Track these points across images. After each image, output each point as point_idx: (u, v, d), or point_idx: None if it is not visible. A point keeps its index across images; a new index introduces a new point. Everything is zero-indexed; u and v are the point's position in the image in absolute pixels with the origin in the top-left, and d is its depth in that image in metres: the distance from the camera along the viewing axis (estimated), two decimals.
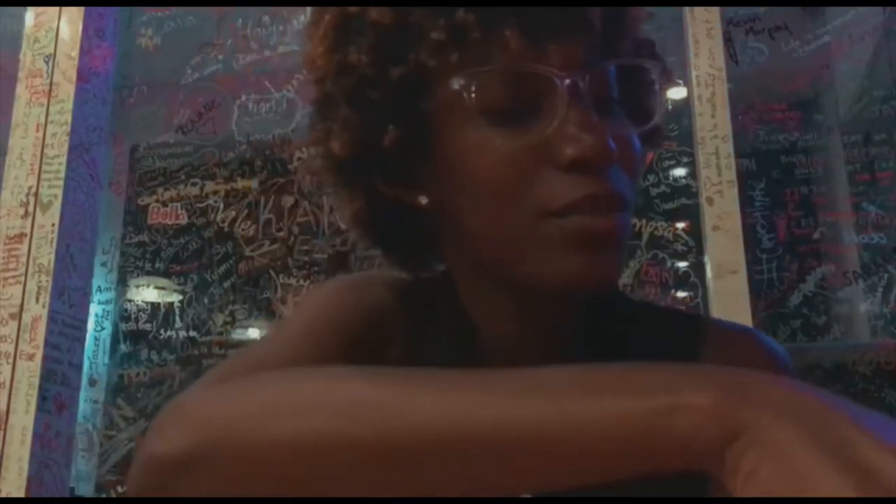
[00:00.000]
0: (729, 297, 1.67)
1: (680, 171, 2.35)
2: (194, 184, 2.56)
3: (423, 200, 0.57)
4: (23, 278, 1.85)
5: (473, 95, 0.51)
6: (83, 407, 2.24)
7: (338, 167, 0.57)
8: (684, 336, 0.61)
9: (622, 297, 0.65)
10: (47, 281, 1.84)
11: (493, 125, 0.51)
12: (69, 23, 2.02)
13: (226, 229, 2.54)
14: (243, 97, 2.43)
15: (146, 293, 2.61)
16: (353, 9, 0.54)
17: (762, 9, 2.29)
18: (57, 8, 2.03)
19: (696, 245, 2.22)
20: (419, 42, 0.52)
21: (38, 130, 1.94)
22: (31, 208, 1.90)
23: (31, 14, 2.05)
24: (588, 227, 0.50)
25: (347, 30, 0.54)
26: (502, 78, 0.52)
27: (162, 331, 2.55)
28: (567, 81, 0.50)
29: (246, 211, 2.54)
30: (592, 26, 0.52)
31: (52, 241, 1.87)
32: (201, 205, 2.55)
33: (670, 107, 2.25)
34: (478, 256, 0.57)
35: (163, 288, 2.61)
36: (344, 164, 0.56)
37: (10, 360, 1.80)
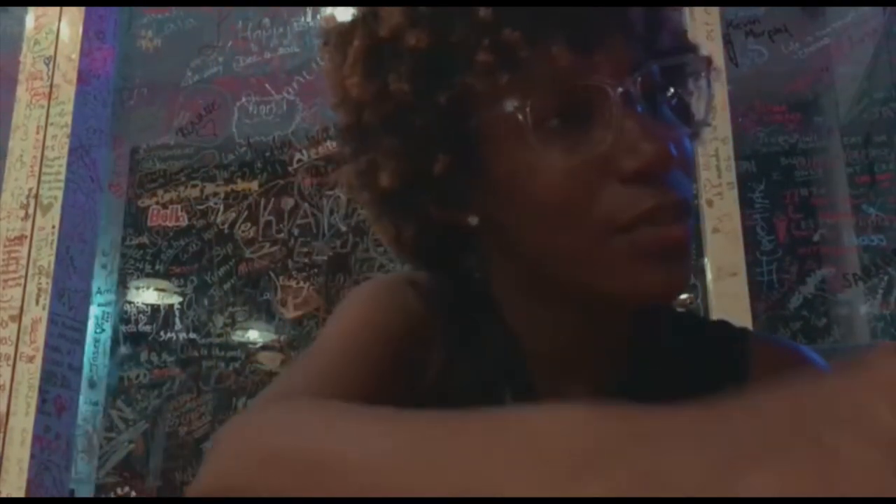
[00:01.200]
0: (729, 299, 1.67)
1: None
2: (194, 185, 2.56)
3: (474, 221, 0.56)
4: (23, 280, 1.85)
5: (527, 115, 0.49)
6: (83, 409, 2.23)
7: (387, 198, 0.56)
8: (731, 351, 0.61)
9: (663, 307, 0.64)
10: (47, 283, 1.84)
11: (547, 142, 0.50)
12: (69, 25, 2.03)
13: (226, 231, 2.53)
14: (243, 99, 2.43)
15: (146, 295, 2.61)
16: (384, 33, 0.52)
17: (762, 11, 2.29)
18: (57, 10, 2.03)
19: (696, 247, 2.22)
20: (465, 65, 0.50)
21: (38, 132, 1.94)
22: (31, 210, 1.90)
23: (31, 16, 2.05)
24: (659, 239, 0.49)
25: (382, 56, 0.52)
26: (555, 95, 0.50)
27: (162, 333, 2.55)
28: (619, 90, 0.49)
29: (246, 213, 2.53)
30: (634, 27, 0.51)
31: (52, 243, 1.87)
32: (201, 207, 2.55)
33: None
34: (536, 273, 0.56)
35: (163, 290, 2.61)
36: (393, 194, 0.55)
37: (10, 362, 1.80)
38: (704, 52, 0.58)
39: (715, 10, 1.83)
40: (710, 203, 1.72)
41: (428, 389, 0.59)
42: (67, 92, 1.97)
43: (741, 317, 1.64)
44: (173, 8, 2.44)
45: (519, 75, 0.49)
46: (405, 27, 0.51)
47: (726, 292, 1.68)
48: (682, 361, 0.59)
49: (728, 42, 1.97)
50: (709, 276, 1.70)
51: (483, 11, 0.49)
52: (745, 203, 2.15)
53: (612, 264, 0.50)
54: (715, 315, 1.67)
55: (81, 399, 2.05)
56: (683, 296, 2.26)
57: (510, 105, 0.50)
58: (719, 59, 1.80)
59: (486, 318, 0.60)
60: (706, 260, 1.73)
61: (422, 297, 0.61)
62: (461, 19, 0.50)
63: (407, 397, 0.57)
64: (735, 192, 1.73)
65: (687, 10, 1.83)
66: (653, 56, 0.52)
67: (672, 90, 0.54)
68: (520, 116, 0.49)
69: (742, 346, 0.61)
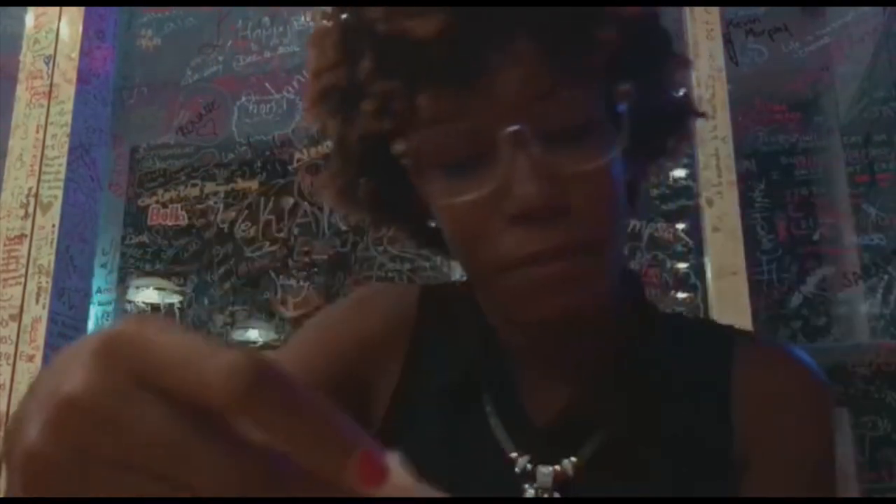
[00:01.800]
0: (729, 299, 1.67)
1: (680, 173, 2.35)
2: (194, 185, 2.56)
3: (432, 224, 0.58)
4: (23, 279, 1.85)
5: (420, 155, 0.51)
6: None
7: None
8: (718, 352, 0.61)
9: (652, 308, 0.65)
10: (47, 282, 1.84)
11: (450, 177, 0.51)
12: (69, 24, 2.02)
13: (226, 230, 2.54)
14: (243, 98, 2.43)
15: (146, 294, 2.61)
16: (312, 72, 0.55)
17: (762, 10, 2.29)
18: (57, 9, 2.03)
19: (696, 246, 2.22)
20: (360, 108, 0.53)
21: (38, 132, 1.94)
22: (31, 209, 1.90)
23: (31, 15, 2.05)
24: (536, 280, 0.50)
25: (322, 93, 0.56)
26: (443, 136, 0.51)
27: None
28: (507, 131, 0.48)
29: (246, 212, 2.54)
30: (530, 58, 0.49)
31: (52, 243, 1.87)
32: (201, 206, 2.55)
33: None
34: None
35: (163, 289, 2.61)
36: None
37: (10, 362, 1.80)
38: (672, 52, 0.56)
39: (715, 10, 1.83)
40: (710, 202, 1.72)
41: (396, 390, 0.61)
42: (67, 91, 1.97)
43: (741, 316, 1.64)
44: (173, 7, 2.44)
45: (402, 121, 0.51)
46: (324, 69, 0.54)
47: (726, 291, 1.67)
48: (666, 360, 0.60)
49: (728, 41, 1.97)
50: (709, 275, 1.70)
51: (366, 61, 0.51)
52: (746, 202, 2.15)
53: (512, 294, 0.52)
54: (715, 314, 1.67)
55: None
56: (682, 295, 2.26)
57: (398, 147, 0.52)
58: (719, 59, 1.80)
59: (466, 311, 0.62)
60: (706, 259, 1.73)
61: (395, 306, 0.65)
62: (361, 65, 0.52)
63: (364, 395, 0.61)
64: (735, 192, 1.73)
65: (687, 8, 1.83)
66: (568, 82, 0.50)
67: (579, 121, 0.51)
68: (406, 161, 0.52)
69: (727, 345, 0.61)
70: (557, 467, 0.57)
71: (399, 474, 0.27)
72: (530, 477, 0.57)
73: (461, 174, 0.51)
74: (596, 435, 0.57)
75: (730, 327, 0.66)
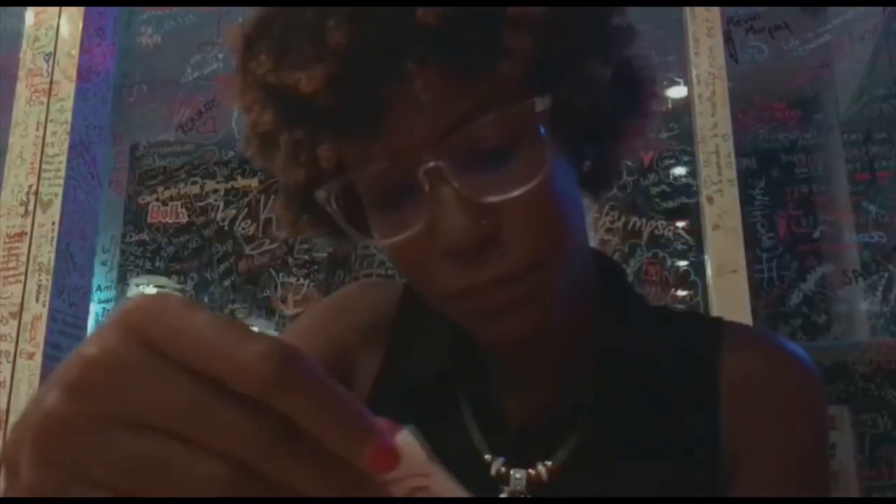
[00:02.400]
0: (729, 296, 1.67)
1: (680, 170, 2.35)
2: (194, 182, 2.56)
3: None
4: (23, 277, 1.85)
5: (343, 199, 0.51)
6: None
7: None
8: (704, 343, 0.60)
9: (638, 302, 0.64)
10: (47, 280, 1.84)
11: (384, 211, 0.51)
12: (69, 21, 2.02)
13: (226, 228, 2.53)
14: None
15: (146, 292, 2.61)
16: (245, 119, 0.54)
17: (762, 8, 2.29)
18: (57, 7, 2.03)
19: (696, 244, 2.22)
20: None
21: (38, 129, 1.94)
22: (31, 207, 1.90)
23: (31, 13, 2.05)
24: (479, 310, 0.50)
25: (246, 138, 0.56)
26: (363, 180, 0.50)
27: None
28: (422, 169, 0.46)
29: (246, 210, 2.53)
30: (435, 90, 0.46)
31: (52, 240, 1.87)
32: (201, 203, 2.55)
33: (669, 106, 2.25)
34: None
35: (163, 286, 2.61)
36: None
37: (10, 359, 1.80)
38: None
39: (715, 8, 1.83)
40: (710, 200, 1.72)
41: (373, 386, 0.62)
42: (67, 89, 1.97)
43: (741, 314, 1.64)
44: (173, 5, 2.44)
45: (316, 170, 0.50)
46: (256, 113, 0.52)
47: (726, 289, 1.67)
48: (647, 356, 0.58)
49: (728, 39, 1.97)
50: (709, 272, 1.70)
51: (268, 113, 0.50)
52: (746, 200, 2.14)
53: (462, 320, 0.52)
54: (715, 312, 1.67)
55: None
56: (683, 292, 2.26)
57: (319, 195, 0.51)
58: (719, 56, 1.80)
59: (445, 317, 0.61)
60: (706, 257, 1.73)
61: (376, 303, 0.66)
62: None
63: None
64: (735, 189, 1.73)
65: (687, 7, 1.83)
66: (486, 106, 0.47)
67: (500, 142, 0.48)
68: (333, 204, 0.50)
69: (714, 336, 0.60)
70: (531, 471, 0.56)
71: (411, 449, 0.28)
72: (504, 479, 0.56)
73: (395, 207, 0.50)
74: (572, 437, 0.56)
75: (716, 318, 0.64)
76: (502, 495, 0.56)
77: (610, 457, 0.56)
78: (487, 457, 0.57)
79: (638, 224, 2.33)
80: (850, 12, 2.34)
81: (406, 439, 0.28)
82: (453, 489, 0.29)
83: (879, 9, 2.35)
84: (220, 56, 2.43)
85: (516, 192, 0.47)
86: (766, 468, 0.56)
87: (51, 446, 0.26)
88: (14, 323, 1.82)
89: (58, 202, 1.89)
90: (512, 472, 0.56)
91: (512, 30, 0.46)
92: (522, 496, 0.56)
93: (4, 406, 1.76)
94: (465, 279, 0.48)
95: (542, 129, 0.47)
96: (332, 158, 0.49)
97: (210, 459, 0.25)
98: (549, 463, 0.56)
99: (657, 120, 0.57)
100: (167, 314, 0.26)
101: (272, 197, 2.53)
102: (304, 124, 0.49)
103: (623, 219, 2.27)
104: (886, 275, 2.31)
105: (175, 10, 2.43)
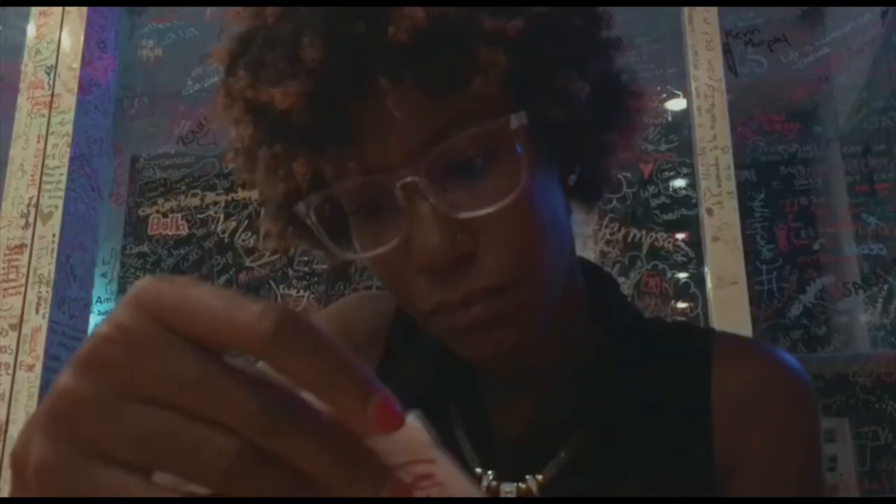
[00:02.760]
0: (729, 308, 1.67)
1: (680, 182, 2.35)
2: (195, 194, 2.57)
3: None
4: (23, 289, 1.85)
5: (322, 213, 0.51)
6: None
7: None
8: (696, 354, 0.59)
9: (629, 313, 0.63)
10: (47, 292, 1.84)
11: (365, 224, 0.51)
12: (71, 34, 2.03)
13: (226, 240, 2.54)
14: None
15: None
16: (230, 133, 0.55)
17: (761, 21, 2.30)
18: (58, 19, 2.03)
19: (696, 256, 2.22)
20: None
21: (39, 141, 1.95)
22: (31, 219, 1.90)
23: (32, 25, 2.06)
24: (454, 323, 0.49)
25: (229, 152, 0.56)
26: (342, 194, 0.50)
27: None
28: (398, 185, 0.46)
29: (246, 221, 2.54)
30: (409, 105, 0.46)
31: (52, 252, 1.87)
32: (202, 215, 2.56)
33: (669, 118, 2.26)
34: None
35: None
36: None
37: (10, 371, 1.80)
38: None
39: (714, 20, 1.84)
40: (710, 212, 1.73)
41: None
42: (68, 101, 1.97)
43: (741, 325, 1.64)
44: (174, 17, 2.45)
45: (295, 184, 0.50)
46: (239, 128, 0.52)
47: (726, 301, 1.68)
48: (638, 369, 0.58)
49: (727, 51, 1.98)
50: (709, 284, 1.70)
51: (247, 127, 0.50)
52: (745, 212, 2.15)
53: (441, 335, 0.52)
54: (715, 324, 1.67)
55: None
56: (683, 304, 2.26)
57: (299, 209, 0.51)
58: (718, 69, 1.80)
59: None
60: (706, 269, 1.73)
61: (366, 317, 0.66)
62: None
63: None
64: (735, 201, 1.73)
65: (686, 18, 1.84)
66: (460, 121, 0.47)
67: (477, 157, 0.47)
68: (312, 217, 0.50)
69: (705, 350, 0.59)
70: (521, 485, 0.56)
71: (416, 433, 0.28)
72: (495, 493, 0.56)
73: (375, 220, 0.50)
74: (562, 451, 0.56)
75: (708, 329, 0.64)
76: None
77: (601, 471, 0.55)
78: (478, 470, 0.57)
79: (638, 236, 2.33)
80: (849, 25, 2.35)
81: (412, 423, 0.28)
82: (459, 477, 0.29)
83: (878, 21, 2.36)
84: (221, 68, 2.43)
85: (491, 209, 0.46)
86: (760, 479, 0.56)
87: (63, 420, 0.26)
88: (14, 335, 1.82)
89: (58, 214, 1.89)
90: (502, 485, 0.56)
91: (487, 45, 0.46)
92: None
93: (4, 417, 1.76)
94: (439, 295, 0.48)
95: (518, 146, 0.47)
96: (307, 173, 0.49)
97: (219, 434, 0.25)
98: (539, 477, 0.56)
99: (644, 132, 0.57)
100: (174, 287, 0.27)
101: None
102: (280, 140, 0.49)
103: (623, 230, 2.28)
104: (886, 286, 2.31)
105: (176, 22, 2.44)
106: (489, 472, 0.57)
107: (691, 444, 0.56)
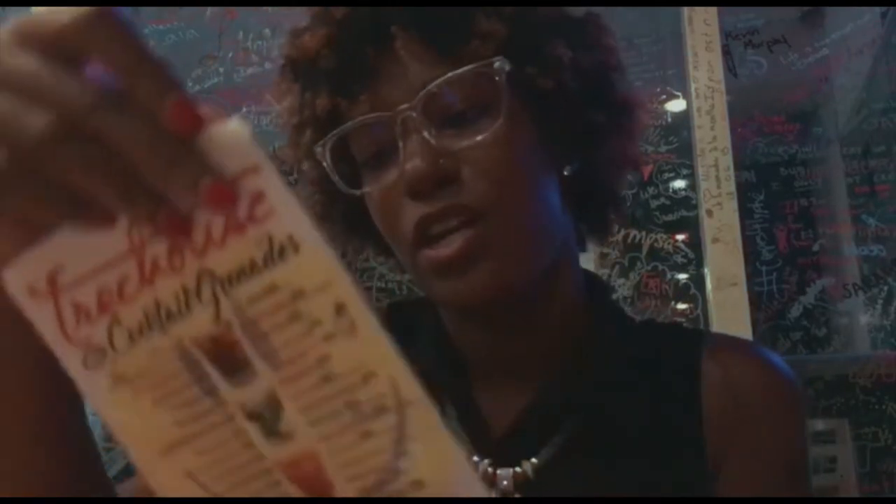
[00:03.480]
0: (729, 309, 1.67)
1: (679, 183, 2.36)
2: None
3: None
4: None
5: (336, 154, 0.56)
6: None
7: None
8: (685, 351, 0.61)
9: (619, 314, 0.65)
10: None
11: (371, 169, 0.56)
12: None
13: None
14: (244, 110, 2.44)
15: None
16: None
17: (761, 22, 2.30)
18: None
19: (696, 257, 2.22)
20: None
21: None
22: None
23: None
24: (434, 258, 0.53)
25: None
26: (353, 134, 0.56)
27: None
28: (397, 119, 0.53)
29: None
30: (416, 53, 0.53)
31: None
32: None
33: (668, 119, 2.26)
34: None
35: None
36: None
37: None
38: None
39: (714, 21, 1.84)
40: (709, 213, 1.73)
41: None
42: None
43: (741, 326, 1.64)
44: (174, 19, 2.45)
45: (318, 127, 0.57)
46: (283, 94, 0.61)
47: (726, 302, 1.68)
48: (628, 360, 0.60)
49: (727, 53, 1.98)
50: (709, 286, 1.71)
51: (286, 75, 0.59)
52: (745, 213, 2.15)
53: (423, 277, 0.55)
54: (715, 325, 1.67)
55: None
56: (682, 306, 2.26)
57: (317, 151, 0.56)
58: (718, 70, 1.81)
59: (428, 323, 0.64)
60: (706, 270, 1.73)
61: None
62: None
63: None
64: (735, 203, 1.73)
65: (686, 19, 1.84)
66: (454, 67, 0.53)
67: (468, 104, 0.54)
68: (327, 157, 0.56)
69: (694, 345, 0.61)
70: (517, 469, 0.57)
71: (236, 138, 0.29)
72: (492, 480, 0.58)
73: (377, 167, 0.55)
74: (556, 436, 0.58)
75: (697, 329, 0.67)
76: (491, 496, 0.57)
77: (595, 454, 0.57)
78: (474, 459, 0.59)
79: (637, 237, 2.33)
80: (849, 26, 2.36)
81: (233, 127, 0.28)
82: (286, 195, 0.29)
83: (878, 22, 2.36)
84: (221, 70, 2.44)
85: (472, 141, 0.53)
86: (747, 473, 0.57)
87: None
88: None
89: None
90: (498, 471, 0.57)
91: (486, 16, 0.53)
92: (511, 496, 0.57)
93: None
94: (420, 210, 0.52)
95: (502, 87, 0.53)
96: (326, 107, 0.55)
97: (41, 111, 0.29)
98: (534, 461, 0.57)
99: (640, 139, 0.61)
100: (37, 19, 0.31)
101: None
102: (310, 86, 0.57)
103: (622, 232, 2.28)
104: (886, 288, 2.31)
105: (176, 24, 2.45)
106: (485, 460, 0.58)
107: (683, 431, 0.58)
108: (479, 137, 0.52)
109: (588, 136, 0.58)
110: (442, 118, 0.53)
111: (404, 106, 0.52)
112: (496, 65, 0.52)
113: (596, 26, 0.59)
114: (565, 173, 0.59)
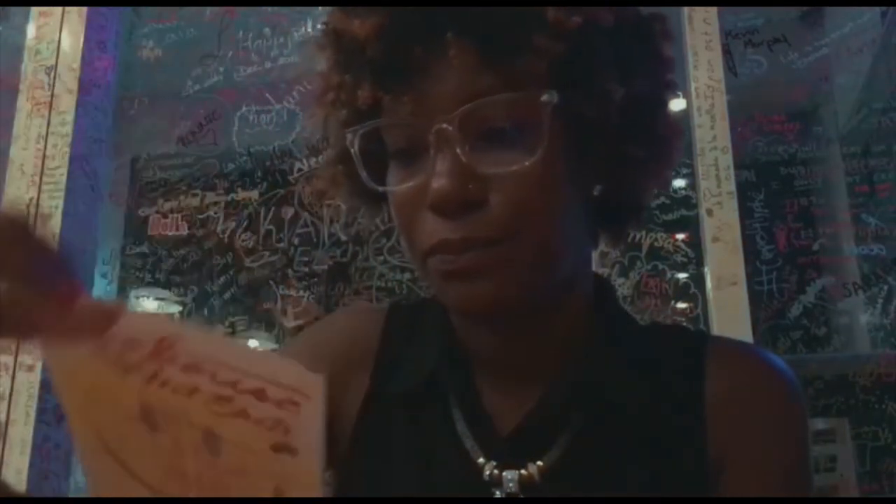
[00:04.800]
0: (729, 309, 1.67)
1: (679, 183, 2.35)
2: (195, 195, 2.57)
3: None
4: None
5: (365, 144, 0.56)
6: None
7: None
8: (689, 355, 0.61)
9: (625, 317, 0.65)
10: None
11: (397, 164, 0.56)
12: (71, 35, 2.03)
13: (226, 240, 2.54)
14: (244, 109, 2.44)
15: (146, 304, 2.61)
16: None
17: (761, 21, 2.30)
18: (58, 20, 2.04)
19: (695, 256, 2.22)
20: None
21: (38, 142, 1.95)
22: (31, 220, 1.90)
23: (32, 26, 2.06)
24: (446, 268, 0.53)
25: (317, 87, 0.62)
26: (387, 128, 0.55)
27: None
28: (433, 129, 0.52)
29: (246, 222, 2.54)
30: (466, 60, 0.51)
31: None
32: (202, 216, 2.56)
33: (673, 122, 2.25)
34: None
35: (163, 299, 2.61)
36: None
37: (10, 372, 1.80)
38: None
39: (714, 20, 1.84)
40: (709, 212, 1.73)
41: (364, 403, 0.64)
42: (68, 101, 1.97)
43: (741, 326, 1.64)
44: (174, 18, 2.45)
45: (353, 112, 0.56)
46: (326, 59, 0.59)
47: (726, 302, 1.68)
48: (638, 361, 0.60)
49: (727, 52, 1.98)
50: (708, 285, 1.70)
51: (329, 55, 0.58)
52: (745, 212, 2.15)
53: (434, 281, 0.56)
54: (715, 324, 1.67)
55: None
56: (682, 305, 2.26)
57: (348, 137, 0.56)
58: (718, 69, 1.80)
59: (434, 321, 0.64)
60: (706, 269, 1.73)
61: (360, 325, 0.69)
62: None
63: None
64: (735, 202, 1.73)
65: (686, 19, 1.84)
66: (497, 89, 0.52)
67: (508, 124, 0.53)
68: (356, 145, 0.56)
69: (697, 350, 0.61)
70: (524, 471, 0.57)
71: (145, 316, 0.32)
72: (497, 482, 0.58)
73: (405, 163, 0.55)
74: (562, 438, 0.58)
75: (701, 331, 0.66)
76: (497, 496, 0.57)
77: (601, 456, 0.57)
78: (480, 460, 0.59)
79: (637, 236, 2.33)
80: (849, 26, 2.35)
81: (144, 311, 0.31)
82: (205, 338, 0.32)
83: (877, 22, 2.36)
84: (221, 69, 2.44)
85: (507, 169, 0.52)
86: (749, 477, 0.57)
87: None
88: None
89: (58, 214, 1.89)
90: (504, 473, 0.57)
91: (546, 32, 0.51)
92: (515, 497, 0.57)
93: (4, 418, 1.76)
94: (442, 233, 0.52)
95: (545, 125, 0.52)
96: (368, 100, 0.54)
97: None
98: (540, 463, 0.57)
99: (676, 164, 0.61)
100: None
101: (272, 209, 2.54)
102: (352, 69, 0.55)
103: None
104: (886, 287, 2.31)
105: (176, 23, 2.45)
106: (491, 462, 0.58)
107: (687, 434, 0.58)
108: (513, 168, 0.52)
109: (623, 166, 0.58)
110: (478, 133, 0.52)
111: (441, 120, 0.52)
112: (544, 98, 0.51)
113: (660, 60, 0.58)
114: (594, 193, 0.59)
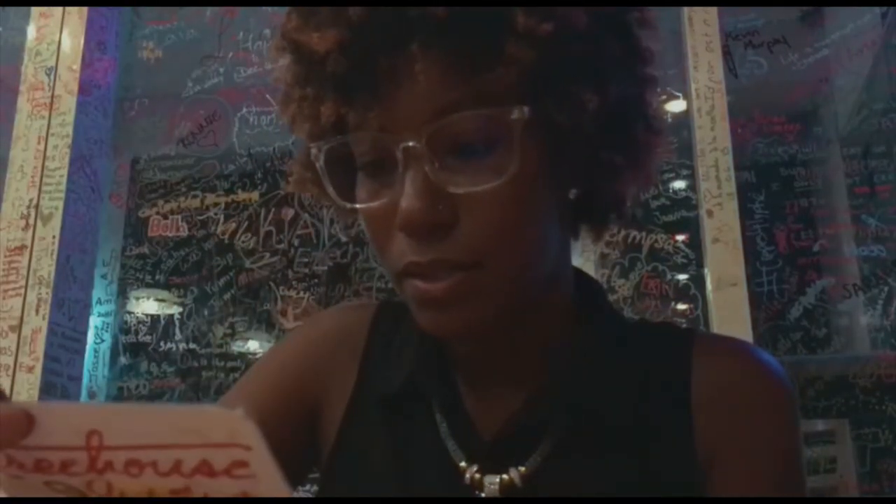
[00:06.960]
0: (729, 310, 1.67)
1: (680, 184, 2.35)
2: (195, 196, 2.57)
3: None
4: (23, 290, 1.86)
5: (331, 158, 0.54)
6: None
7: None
8: (676, 351, 0.61)
9: (613, 317, 0.65)
10: (47, 293, 1.84)
11: (368, 179, 0.54)
12: (71, 36, 2.03)
13: (226, 241, 2.54)
14: (244, 110, 2.44)
15: (146, 305, 2.61)
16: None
17: (761, 22, 2.30)
18: (59, 21, 2.04)
19: (696, 257, 2.22)
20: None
21: (39, 143, 1.95)
22: (31, 220, 1.90)
23: (32, 27, 2.06)
24: (419, 291, 0.52)
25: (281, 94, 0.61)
26: (353, 142, 0.53)
27: (162, 343, 2.55)
28: (400, 146, 0.50)
29: (246, 223, 2.54)
30: (433, 74, 0.49)
31: (52, 254, 1.87)
32: (202, 217, 2.56)
33: (669, 119, 2.26)
34: None
35: (163, 300, 2.61)
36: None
37: (10, 373, 1.80)
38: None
39: (714, 21, 1.84)
40: (710, 213, 1.73)
41: (348, 404, 0.64)
42: (68, 102, 1.97)
43: (741, 327, 1.64)
44: (175, 19, 2.45)
45: (317, 126, 0.54)
46: (285, 68, 0.57)
47: (726, 303, 1.68)
48: (622, 362, 0.59)
49: (727, 53, 1.98)
50: (709, 286, 1.71)
51: (290, 66, 0.56)
52: (745, 213, 2.15)
53: (410, 302, 0.54)
54: (715, 325, 1.67)
55: None
56: (682, 306, 2.26)
57: (312, 151, 0.54)
58: (718, 71, 1.80)
59: (418, 328, 0.62)
60: (706, 270, 1.73)
61: (344, 324, 0.68)
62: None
63: (314, 417, 0.65)
64: (735, 203, 1.73)
65: (686, 19, 1.84)
66: (469, 105, 0.49)
67: (478, 141, 0.50)
68: (321, 160, 0.54)
69: (684, 347, 0.60)
70: (505, 476, 0.57)
71: (240, 420, 0.30)
72: (478, 486, 0.57)
73: (374, 175, 0.53)
74: (545, 443, 0.57)
75: (689, 328, 0.66)
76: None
77: (583, 461, 0.56)
78: (462, 464, 0.58)
79: (638, 237, 2.33)
80: (849, 27, 2.35)
81: (239, 415, 0.30)
82: (273, 470, 0.31)
83: (878, 23, 2.36)
84: (221, 70, 2.44)
85: (477, 188, 0.50)
86: (739, 474, 0.56)
87: None
88: (14, 336, 1.82)
89: (58, 215, 1.89)
90: (485, 478, 0.57)
91: (517, 40, 0.48)
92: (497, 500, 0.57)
93: None
94: (411, 255, 0.51)
95: (517, 139, 0.50)
96: (331, 117, 0.52)
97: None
98: (522, 468, 0.56)
99: (659, 168, 0.59)
100: None
101: (272, 210, 2.54)
102: (313, 83, 0.53)
103: (622, 232, 2.28)
104: (886, 288, 2.31)
105: (176, 24, 2.45)
106: (473, 466, 0.58)
107: (672, 435, 0.57)
108: (484, 187, 0.49)
109: (601, 172, 0.56)
110: (448, 149, 0.50)
111: (409, 138, 0.49)
112: (514, 115, 0.49)
113: (637, 56, 0.57)
114: (570, 196, 0.58)
